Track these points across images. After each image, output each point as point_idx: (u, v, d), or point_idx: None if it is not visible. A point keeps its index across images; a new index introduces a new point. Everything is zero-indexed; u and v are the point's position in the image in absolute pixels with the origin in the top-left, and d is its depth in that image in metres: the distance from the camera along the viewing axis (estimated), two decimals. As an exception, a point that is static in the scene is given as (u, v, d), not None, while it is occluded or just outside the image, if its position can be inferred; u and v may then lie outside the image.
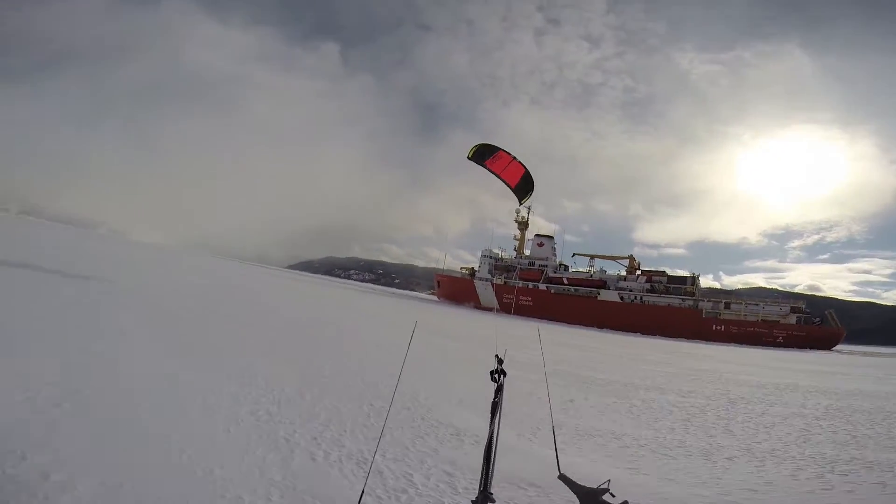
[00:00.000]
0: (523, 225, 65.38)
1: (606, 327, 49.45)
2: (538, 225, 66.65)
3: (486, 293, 62.16)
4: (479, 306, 61.08)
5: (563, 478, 1.66)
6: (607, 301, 54.97)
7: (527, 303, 57.93)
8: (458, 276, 68.39)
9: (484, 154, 2.73)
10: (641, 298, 54.20)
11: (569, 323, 50.32)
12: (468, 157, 2.72)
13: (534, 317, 54.09)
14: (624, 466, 5.53)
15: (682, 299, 52.63)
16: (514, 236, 66.29)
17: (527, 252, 64.44)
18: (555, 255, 62.45)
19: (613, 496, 1.46)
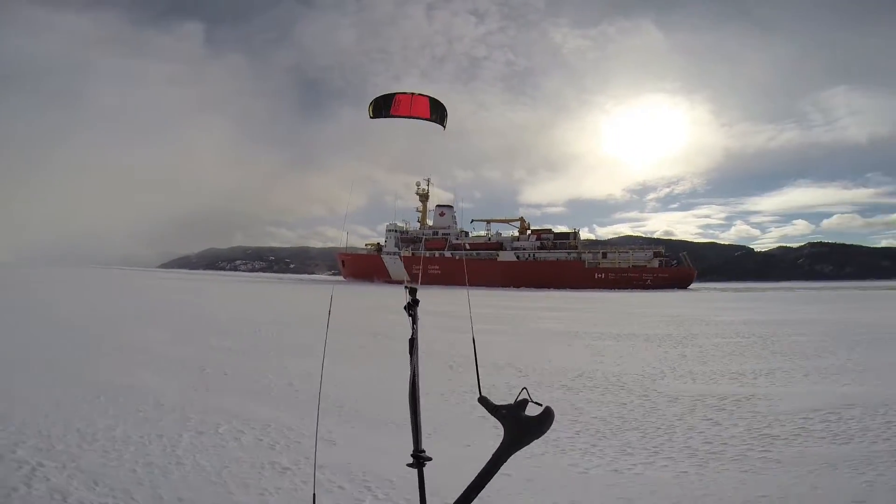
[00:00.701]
0: (424, 197, 67.66)
1: (507, 286, 54.18)
2: (436, 195, 69.14)
3: (394, 266, 63.47)
4: (389, 280, 62.23)
5: (482, 400, 1.52)
6: (505, 261, 60.29)
7: (435, 271, 60.54)
8: (364, 252, 68.47)
9: (383, 105, 2.59)
10: (534, 255, 60.50)
11: (474, 286, 54.17)
12: (370, 117, 2.59)
13: (442, 284, 57.05)
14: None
15: (568, 253, 60.00)
16: (417, 208, 68.40)
17: (430, 223, 67.04)
18: (455, 223, 65.86)
19: (539, 404, 1.32)
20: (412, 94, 2.53)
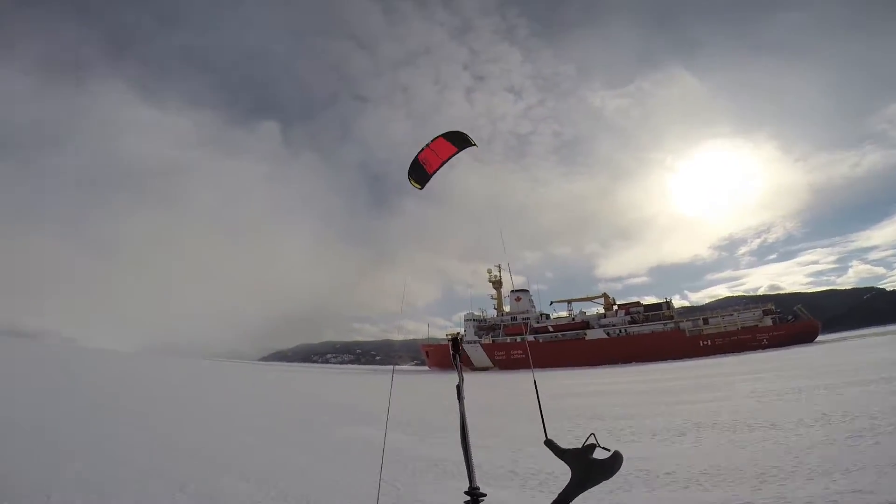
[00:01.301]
0: (497, 283, 68.09)
1: (599, 364, 50.83)
2: (507, 280, 69.32)
3: (476, 354, 62.70)
4: (473, 368, 61.25)
5: (548, 443, 1.57)
6: (595, 339, 56.73)
7: (519, 356, 59.09)
8: (445, 342, 68.81)
9: (418, 170, 2.57)
10: (626, 331, 56.36)
11: (562, 367, 51.48)
12: (420, 189, 2.63)
13: (527, 368, 55.45)
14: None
15: (664, 324, 55.15)
16: (491, 296, 68.46)
17: (506, 308, 66.66)
18: (533, 306, 64.89)
19: (607, 449, 1.37)
20: (427, 144, 2.61)
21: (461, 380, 1.76)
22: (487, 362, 61.46)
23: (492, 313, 67.69)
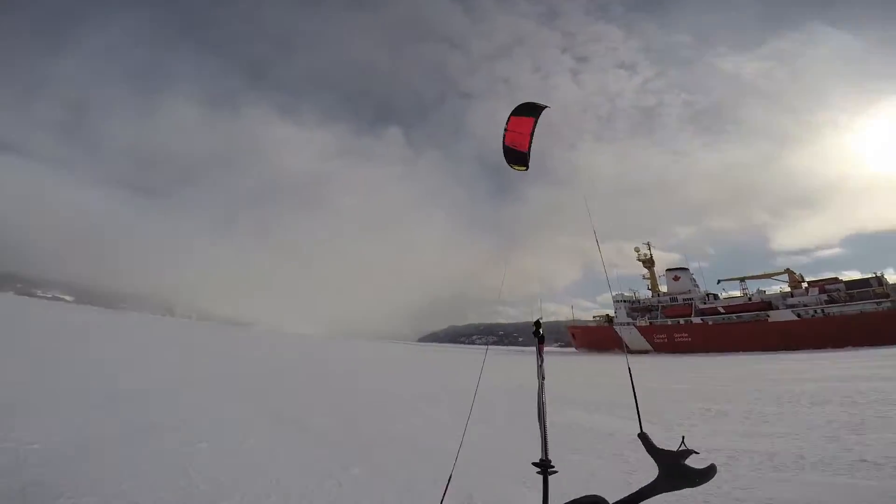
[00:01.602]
0: (649, 262, 63.36)
1: (783, 349, 43.98)
2: (659, 259, 63.72)
3: (631, 337, 59.70)
4: (629, 350, 58.75)
5: (642, 437, 1.53)
6: (781, 321, 48.92)
7: (684, 339, 54.69)
8: (594, 324, 66.87)
9: (512, 154, 2.49)
10: (822, 311, 47.27)
11: (736, 351, 46.28)
12: (526, 170, 2.52)
13: (695, 352, 51.01)
14: None
15: (877, 303, 44.75)
16: (643, 275, 63.90)
17: (662, 288, 61.64)
18: (696, 285, 58.67)
19: (696, 452, 1.34)
20: (504, 128, 2.52)
21: (542, 361, 1.83)
22: (645, 345, 58.12)
23: (645, 294, 63.24)
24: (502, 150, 2.48)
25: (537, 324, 1.98)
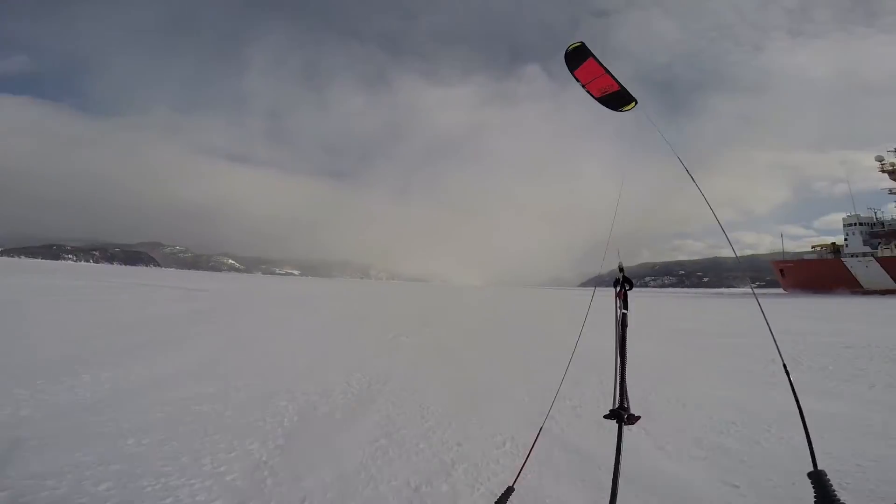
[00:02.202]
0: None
1: None
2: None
3: (868, 272, 47.28)
4: (861, 291, 46.85)
5: (817, 476, 1.15)
6: None
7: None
8: (814, 257, 54.63)
9: (611, 99, 2.29)
10: None
11: None
12: (633, 106, 2.29)
13: None
14: None
15: None
16: (890, 190, 48.78)
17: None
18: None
19: None
20: (581, 85, 2.32)
21: (626, 309, 1.74)
22: (888, 283, 45.50)
23: (890, 214, 48.64)
24: (603, 104, 2.31)
25: (621, 269, 1.86)
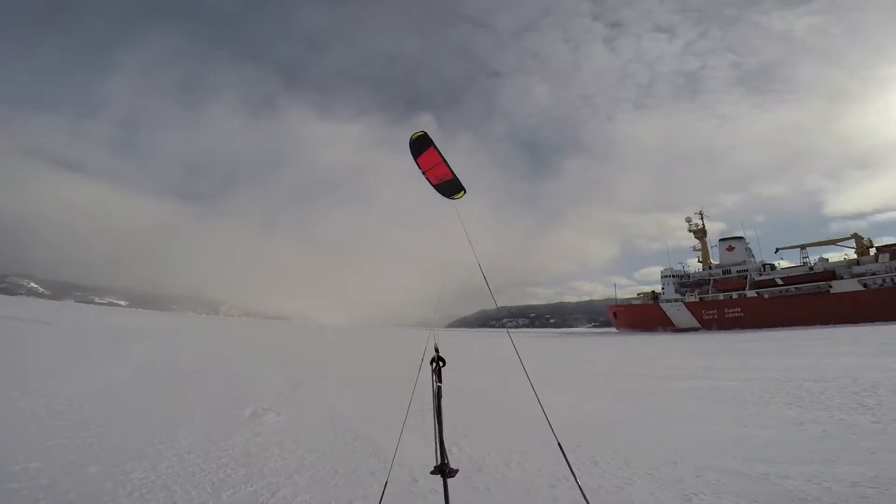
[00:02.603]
0: (701, 233, 60.90)
1: (849, 322, 41.62)
2: (709, 230, 61.04)
3: (679, 314, 57.88)
4: (675, 329, 56.85)
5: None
6: (846, 293, 46.21)
7: (735, 314, 52.54)
8: (638, 302, 64.99)
9: (445, 186, 2.46)
10: (894, 280, 44.35)
11: (794, 326, 44.22)
12: (462, 195, 2.48)
13: (748, 328, 48.93)
14: None
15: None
16: (693, 247, 61.56)
17: (714, 260, 59.30)
18: (752, 255, 56.02)
19: None
20: (421, 172, 2.48)
21: (439, 383, 1.79)
22: (693, 322, 56.28)
23: (695, 267, 61.06)
24: (435, 191, 2.43)
25: (436, 349, 1.90)
